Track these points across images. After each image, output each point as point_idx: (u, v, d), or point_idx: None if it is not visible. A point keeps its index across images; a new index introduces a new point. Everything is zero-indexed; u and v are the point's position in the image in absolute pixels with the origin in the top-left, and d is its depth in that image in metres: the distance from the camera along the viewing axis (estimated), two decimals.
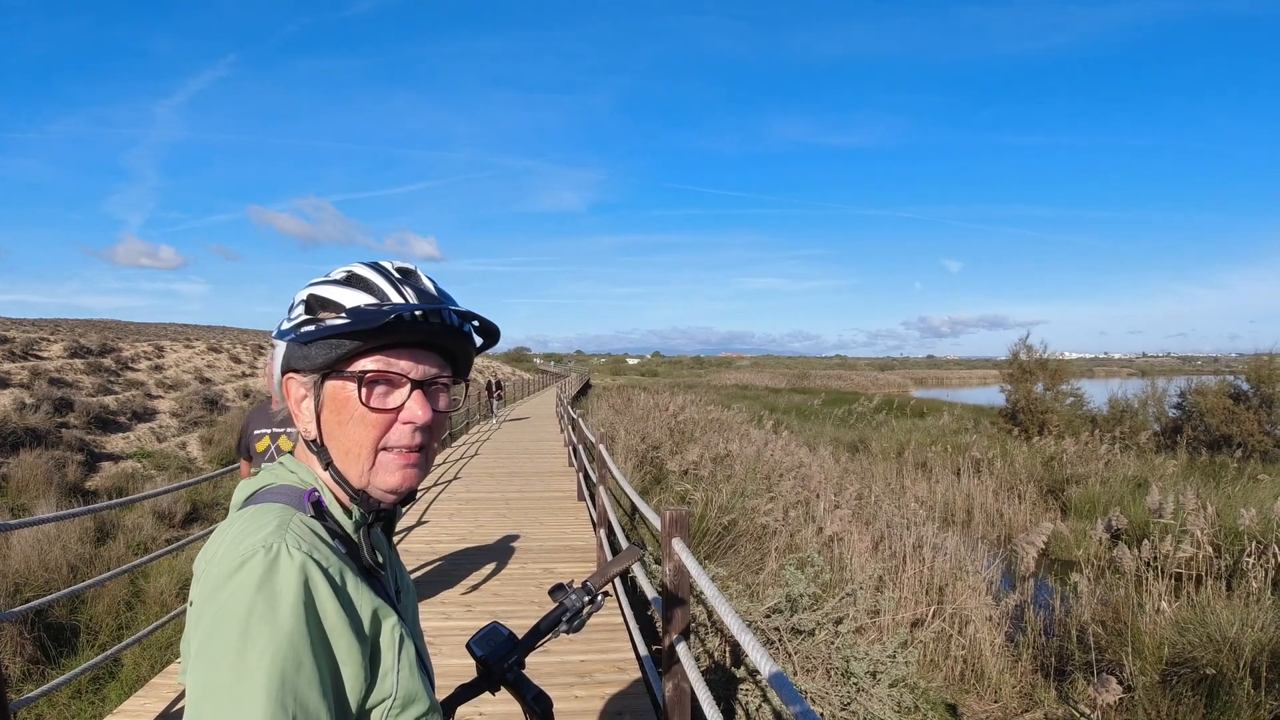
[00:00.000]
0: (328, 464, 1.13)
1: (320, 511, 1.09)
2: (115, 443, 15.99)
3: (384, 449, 1.12)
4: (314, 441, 1.14)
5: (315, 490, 1.11)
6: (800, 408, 34.42)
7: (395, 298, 1.12)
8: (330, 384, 1.12)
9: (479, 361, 62.95)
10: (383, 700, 1.03)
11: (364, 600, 1.03)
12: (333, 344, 1.09)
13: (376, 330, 1.07)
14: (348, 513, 1.13)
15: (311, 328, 1.09)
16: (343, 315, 1.09)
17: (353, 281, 1.14)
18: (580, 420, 12.30)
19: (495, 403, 25.94)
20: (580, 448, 11.71)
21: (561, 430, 20.08)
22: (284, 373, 1.14)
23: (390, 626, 1.06)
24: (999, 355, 28.07)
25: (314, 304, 1.12)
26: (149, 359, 23.38)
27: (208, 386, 21.99)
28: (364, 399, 1.09)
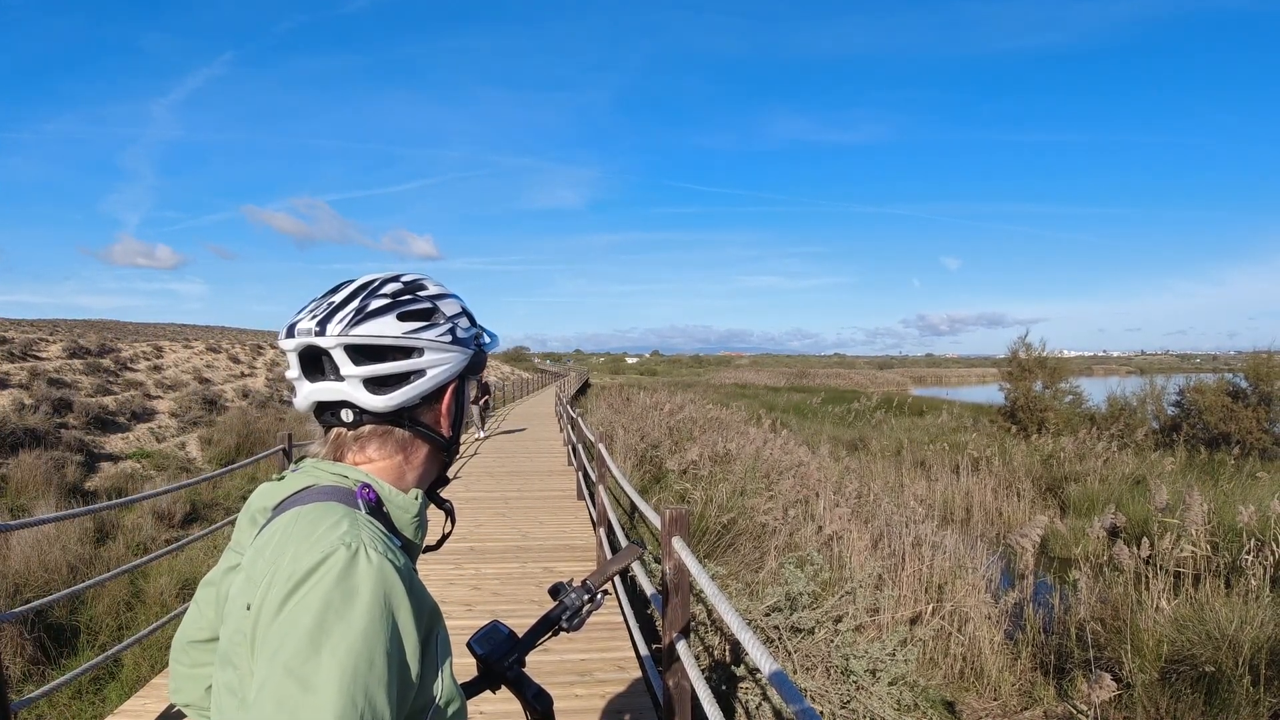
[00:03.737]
0: (454, 453, 1.31)
1: (374, 509, 1.11)
2: (114, 443, 15.98)
3: None
4: (448, 439, 1.27)
5: (369, 488, 1.13)
6: (799, 406, 34.43)
7: None
8: (469, 385, 1.32)
9: None
10: (433, 700, 1.05)
11: (426, 601, 1.05)
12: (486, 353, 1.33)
13: None
14: (412, 500, 1.19)
15: (487, 339, 1.33)
16: (480, 328, 1.33)
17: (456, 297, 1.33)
18: (579, 419, 12.30)
19: (483, 412, 20.98)
20: (579, 447, 11.71)
21: (561, 429, 20.08)
22: (455, 380, 1.26)
23: (441, 626, 1.08)
24: (998, 353, 28.11)
25: (470, 318, 1.32)
26: (148, 359, 23.37)
27: (207, 387, 21.99)
28: (477, 399, 1.28)
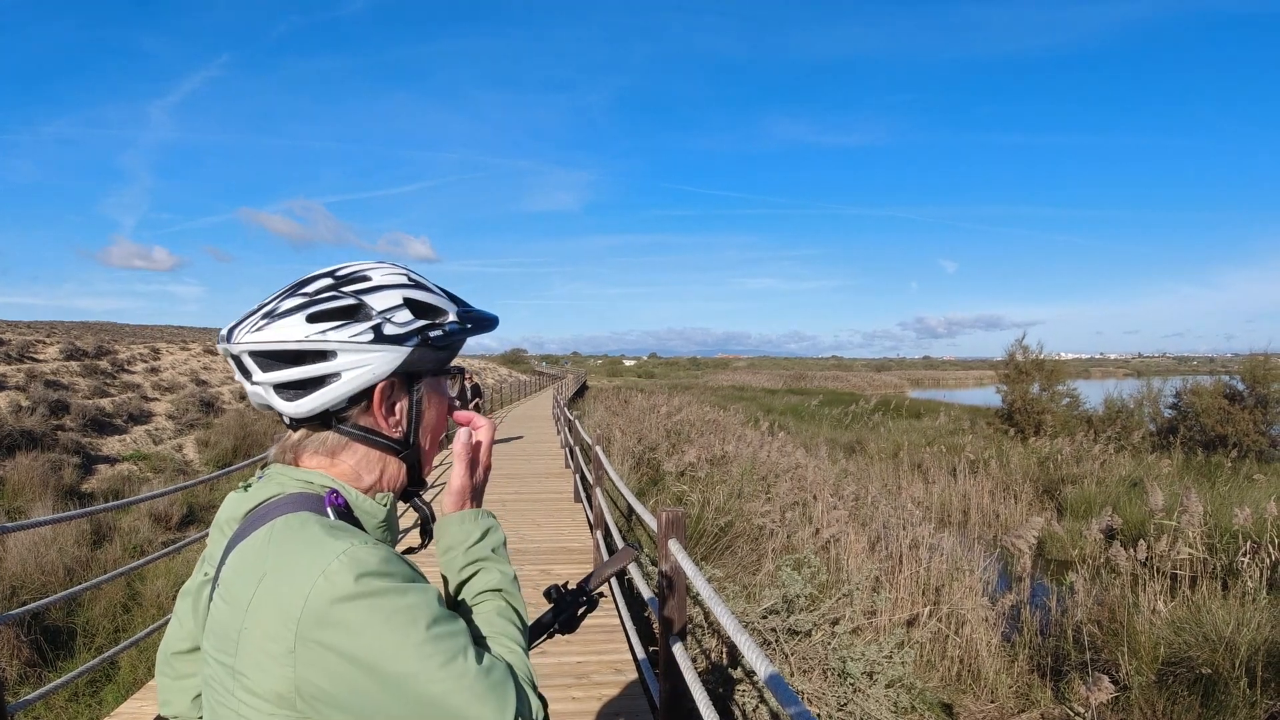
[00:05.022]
0: (414, 461, 1.21)
1: (343, 513, 1.09)
2: (111, 445, 15.96)
3: (444, 433, 1.28)
4: (400, 441, 1.18)
5: (336, 492, 1.11)
6: (797, 408, 34.42)
7: (446, 299, 1.24)
8: (434, 384, 1.22)
9: (474, 364, 62.92)
10: None
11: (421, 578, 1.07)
12: (453, 348, 1.22)
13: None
14: (379, 505, 1.16)
15: (440, 332, 1.18)
16: (453, 319, 1.21)
17: (424, 286, 1.21)
18: (576, 421, 12.30)
19: None
20: (577, 449, 11.71)
21: (558, 432, 20.06)
22: (392, 376, 1.14)
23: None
24: (995, 356, 28.14)
25: (417, 308, 1.18)
26: (145, 361, 23.34)
27: (204, 389, 21.95)
28: (459, 394, 1.20)
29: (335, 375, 1.10)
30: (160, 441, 17.10)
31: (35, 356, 19.52)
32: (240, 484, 1.17)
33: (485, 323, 1.27)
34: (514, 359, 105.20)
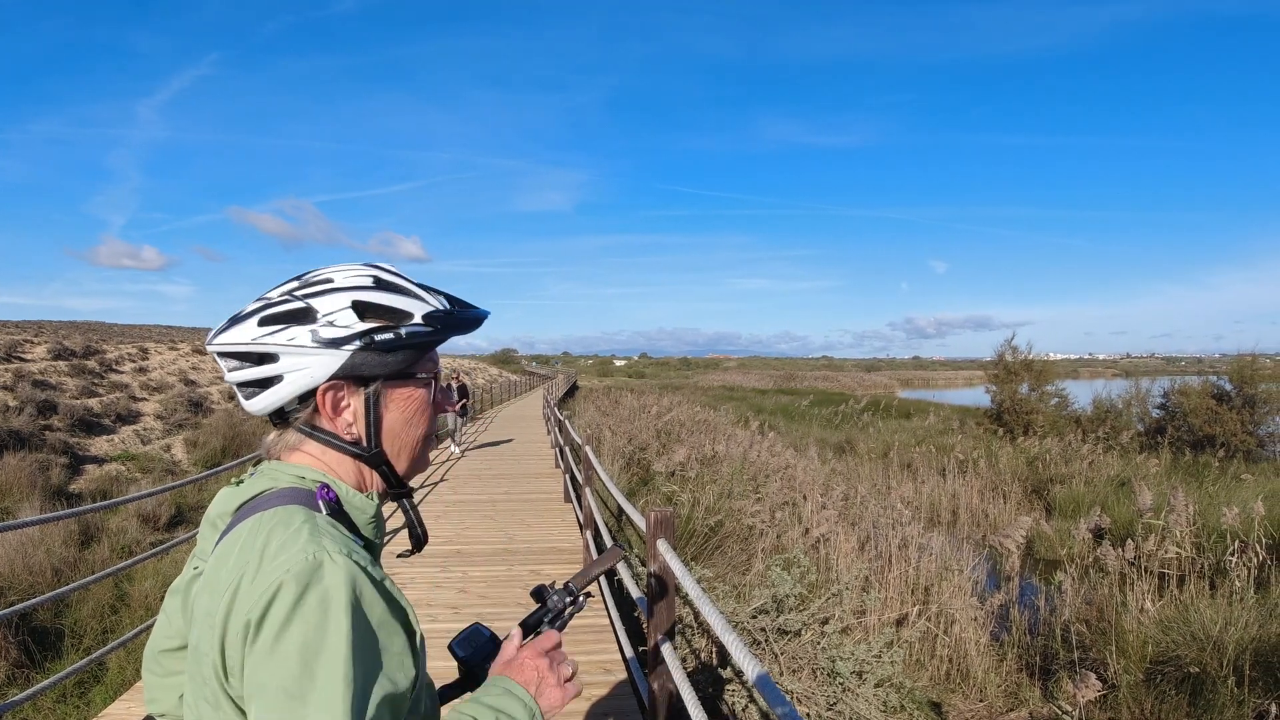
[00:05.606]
0: (380, 463, 1.18)
1: (335, 509, 1.10)
2: (99, 445, 15.89)
3: (429, 438, 1.24)
4: (356, 444, 1.17)
5: (328, 488, 1.12)
6: (787, 409, 34.47)
7: (430, 300, 1.21)
8: (398, 387, 1.18)
9: (463, 364, 62.87)
10: (416, 685, 1.05)
11: (398, 590, 1.05)
12: (415, 350, 1.17)
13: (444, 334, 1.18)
14: (368, 500, 1.17)
15: (390, 335, 1.14)
16: (417, 322, 1.17)
17: (390, 287, 1.19)
18: (566, 422, 12.30)
19: (458, 420, 16.90)
20: (567, 449, 11.71)
21: (548, 432, 20.06)
22: (332, 379, 1.14)
23: (414, 611, 1.08)
24: (985, 356, 28.21)
25: (365, 311, 1.15)
26: (133, 361, 23.24)
27: (192, 389, 21.87)
28: (437, 399, 1.21)
29: (279, 377, 1.13)
30: (148, 442, 17.04)
31: (23, 356, 19.43)
32: (232, 479, 1.18)
33: (460, 324, 1.23)
34: (504, 359, 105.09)
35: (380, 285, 1.18)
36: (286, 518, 1.02)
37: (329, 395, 1.14)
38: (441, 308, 1.22)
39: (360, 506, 1.15)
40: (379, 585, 1.00)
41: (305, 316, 1.13)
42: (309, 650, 0.90)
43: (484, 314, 1.26)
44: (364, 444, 1.17)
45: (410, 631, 1.04)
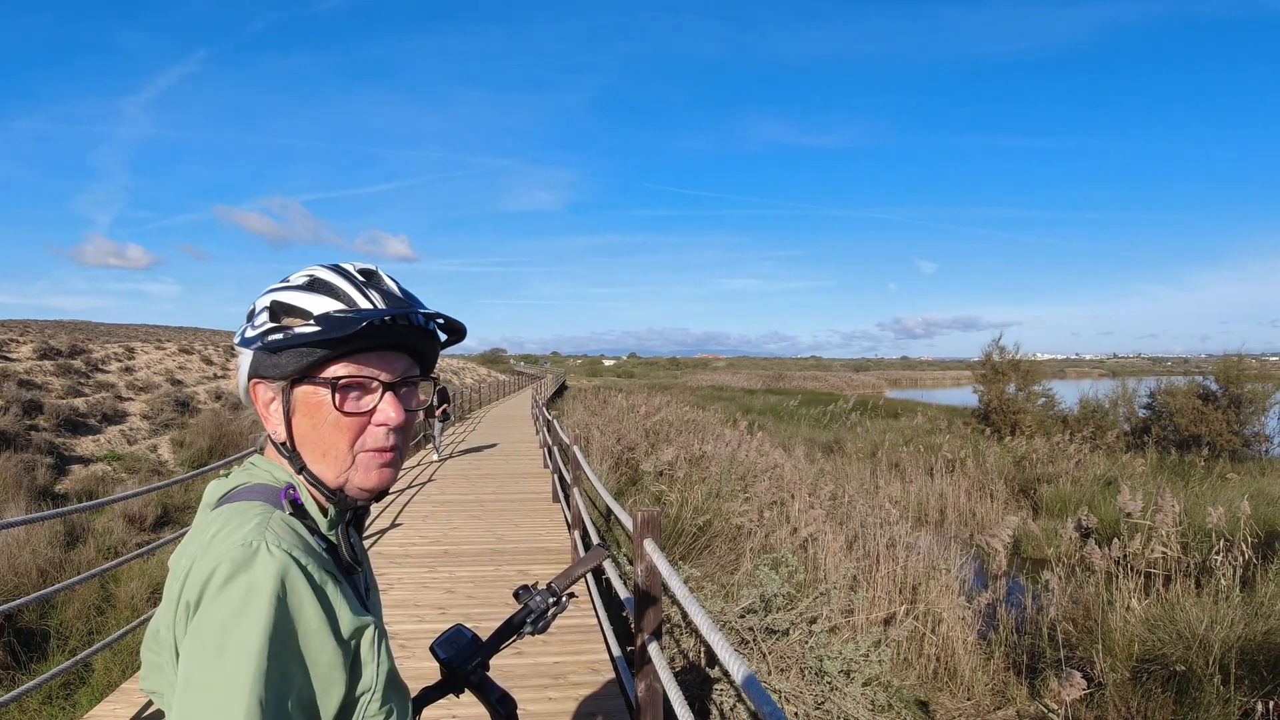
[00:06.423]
0: (301, 467, 1.15)
1: (298, 509, 1.11)
2: (85, 445, 15.79)
3: (360, 450, 1.14)
4: (284, 444, 1.16)
5: (292, 488, 1.13)
6: (775, 408, 34.52)
7: (362, 302, 1.12)
8: (302, 389, 1.12)
9: (451, 364, 62.70)
10: (364, 693, 1.04)
11: (342, 601, 1.04)
12: (303, 351, 1.10)
13: (348, 337, 1.08)
14: (323, 511, 1.16)
15: (279, 336, 1.10)
16: (311, 323, 1.09)
17: (316, 286, 1.14)
18: (555, 422, 12.28)
19: (437, 425, 16.20)
20: (555, 449, 11.70)
21: (537, 431, 20.03)
22: (250, 379, 1.15)
23: (369, 625, 1.07)
24: (972, 356, 28.30)
25: (278, 311, 1.12)
26: (119, 360, 23.10)
27: (179, 388, 21.76)
28: (338, 404, 1.11)
29: (239, 372, 1.18)
30: (135, 442, 16.94)
31: (8, 356, 19.29)
32: (222, 472, 1.20)
33: (342, 323, 1.08)
34: (493, 359, 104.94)
35: (310, 286, 1.14)
36: (245, 510, 1.05)
37: (255, 393, 1.17)
38: (364, 309, 1.11)
39: (315, 514, 1.15)
40: (317, 589, 1.00)
41: (249, 316, 1.16)
42: (224, 632, 0.91)
43: (379, 314, 1.10)
44: (288, 444, 1.16)
45: (349, 649, 1.02)
